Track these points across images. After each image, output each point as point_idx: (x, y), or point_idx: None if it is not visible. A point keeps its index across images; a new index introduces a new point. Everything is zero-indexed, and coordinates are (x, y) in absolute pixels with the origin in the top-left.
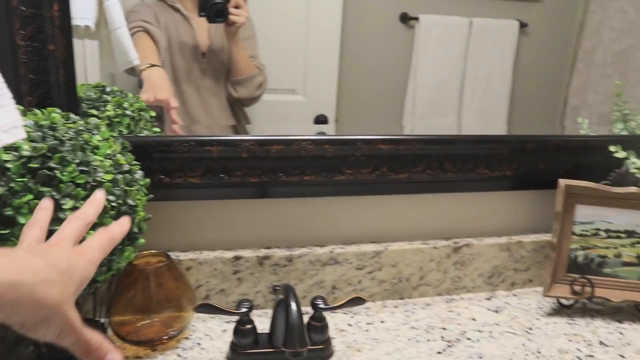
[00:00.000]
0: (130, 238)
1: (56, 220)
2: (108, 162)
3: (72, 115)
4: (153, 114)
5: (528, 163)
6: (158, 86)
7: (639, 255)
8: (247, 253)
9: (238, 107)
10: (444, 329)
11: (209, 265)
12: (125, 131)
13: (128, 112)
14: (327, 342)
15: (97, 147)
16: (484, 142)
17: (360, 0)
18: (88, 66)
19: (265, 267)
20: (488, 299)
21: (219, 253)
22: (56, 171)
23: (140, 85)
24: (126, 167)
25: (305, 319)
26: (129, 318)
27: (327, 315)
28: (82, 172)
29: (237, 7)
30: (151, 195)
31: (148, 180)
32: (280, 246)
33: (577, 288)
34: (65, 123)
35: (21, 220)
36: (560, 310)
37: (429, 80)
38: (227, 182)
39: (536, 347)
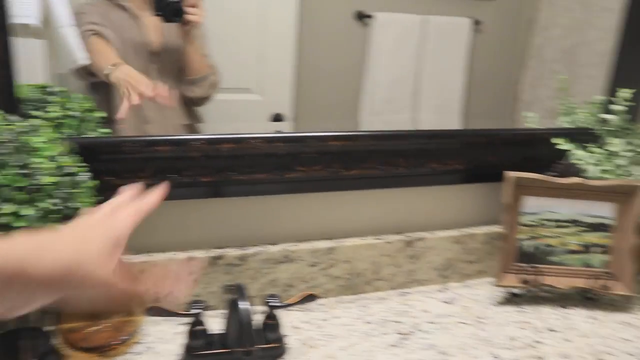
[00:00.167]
0: None
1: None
2: (51, 165)
3: (10, 117)
4: (102, 114)
5: (478, 157)
6: (137, 82)
7: (583, 243)
8: (199, 253)
9: (191, 107)
10: (398, 322)
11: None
12: (72, 132)
13: (72, 114)
14: (281, 340)
15: (37, 149)
16: (435, 137)
17: None
18: (34, 66)
19: (219, 267)
20: (441, 291)
21: (172, 254)
22: None
23: (89, 90)
24: (71, 169)
25: (260, 318)
26: (78, 324)
27: (282, 313)
28: (22, 175)
29: (193, 6)
30: (99, 198)
31: (96, 182)
32: (233, 245)
33: (526, 277)
34: (2, 124)
35: None
36: (511, 299)
37: (385, 77)
38: (178, 182)
39: (487, 336)
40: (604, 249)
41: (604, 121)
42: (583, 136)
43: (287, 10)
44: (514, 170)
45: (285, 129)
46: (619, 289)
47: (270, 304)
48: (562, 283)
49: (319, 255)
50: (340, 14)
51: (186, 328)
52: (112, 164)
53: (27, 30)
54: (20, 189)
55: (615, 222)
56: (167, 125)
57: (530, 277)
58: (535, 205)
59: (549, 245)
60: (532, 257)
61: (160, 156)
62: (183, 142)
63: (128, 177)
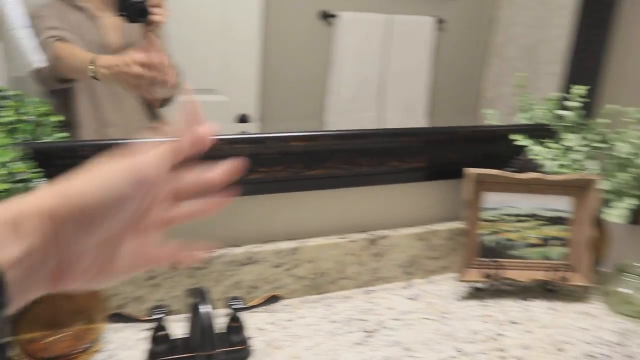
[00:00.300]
0: None
1: None
2: (2, 171)
3: None
4: (59, 118)
5: (439, 154)
6: (131, 61)
7: (543, 237)
8: None
9: (154, 109)
10: (363, 320)
11: None
12: (27, 137)
13: (27, 118)
14: (246, 342)
15: None
16: (396, 135)
17: None
18: None
19: (182, 271)
20: (406, 288)
21: None
22: None
23: (47, 94)
24: (24, 176)
25: (224, 320)
26: (38, 334)
27: (247, 315)
28: None
29: (157, 6)
30: None
31: None
32: None
33: (488, 271)
34: None
35: None
36: (474, 293)
37: (350, 76)
38: None
39: (451, 331)
40: (562, 242)
41: (560, 117)
42: (540, 132)
43: (251, 10)
44: (475, 166)
45: (251, 130)
46: (577, 280)
47: (233, 306)
48: (523, 276)
49: (283, 256)
50: (304, 13)
51: (149, 334)
52: (68, 169)
53: None
54: None
55: (572, 215)
56: (129, 128)
57: (492, 271)
58: (495, 201)
59: (509, 240)
60: (494, 252)
61: None
62: None
63: None
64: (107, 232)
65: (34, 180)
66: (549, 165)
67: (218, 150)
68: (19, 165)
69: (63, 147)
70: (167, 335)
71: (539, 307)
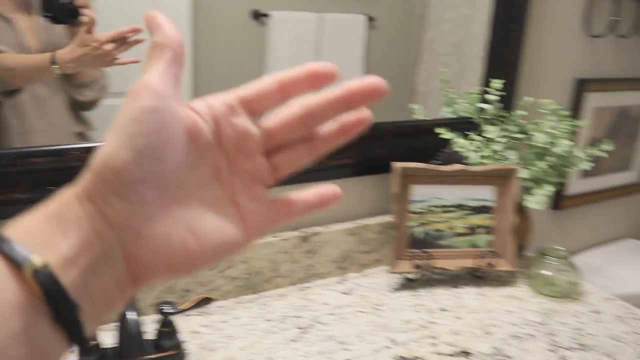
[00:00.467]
0: None
1: None
2: None
3: None
4: None
5: (366, 150)
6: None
7: (469, 226)
8: None
9: (80, 112)
10: (298, 317)
11: None
12: None
13: None
14: (179, 346)
15: None
16: None
17: None
18: None
19: None
20: (340, 282)
21: None
22: None
23: None
24: None
25: (156, 326)
26: None
27: (180, 319)
28: None
29: (84, 6)
30: None
31: None
32: None
33: (418, 262)
34: None
35: None
36: (407, 284)
37: None
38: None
39: (384, 322)
40: (488, 230)
41: (482, 110)
42: (464, 125)
43: (180, 9)
44: (403, 160)
45: None
46: (503, 265)
47: (164, 311)
48: (453, 265)
49: None
50: (235, 13)
51: None
52: None
53: None
54: None
55: (496, 204)
56: (54, 134)
57: (423, 261)
58: (422, 193)
59: (438, 230)
60: (423, 243)
61: (37, 168)
62: (61, 153)
63: (3, 192)
64: (169, 189)
65: None
66: (473, 156)
67: None
68: None
69: None
70: (97, 345)
71: (468, 294)
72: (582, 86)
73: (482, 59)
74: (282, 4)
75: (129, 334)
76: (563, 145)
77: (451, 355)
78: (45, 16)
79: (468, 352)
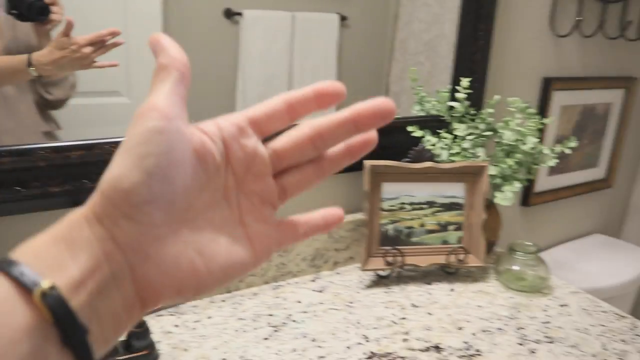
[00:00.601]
0: None
1: None
2: None
3: None
4: None
5: None
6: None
7: (440, 223)
8: None
9: (48, 111)
10: (271, 315)
11: None
12: None
13: None
14: (151, 346)
15: None
16: None
17: None
18: None
19: None
20: (313, 280)
21: None
22: None
23: None
24: None
25: None
26: None
27: (152, 319)
28: None
29: (52, 4)
30: None
31: None
32: None
33: (390, 259)
34: None
35: None
36: (379, 281)
37: (257, 74)
38: (25, 194)
39: (356, 319)
40: (458, 226)
41: (451, 108)
42: (434, 123)
43: (152, 9)
44: (375, 159)
45: None
46: (473, 261)
47: None
48: (424, 261)
49: None
50: (208, 12)
51: None
52: None
53: None
54: None
55: (466, 201)
56: (22, 134)
57: (394, 258)
58: (393, 191)
59: (409, 227)
60: (395, 240)
61: (3, 168)
62: (26, 152)
63: None
64: (177, 211)
65: None
66: (443, 154)
67: (109, 154)
68: None
69: None
70: None
71: (439, 290)
72: (549, 85)
73: (451, 58)
74: (254, 3)
75: None
76: (530, 143)
77: (423, 350)
78: (11, 14)
79: (439, 347)
